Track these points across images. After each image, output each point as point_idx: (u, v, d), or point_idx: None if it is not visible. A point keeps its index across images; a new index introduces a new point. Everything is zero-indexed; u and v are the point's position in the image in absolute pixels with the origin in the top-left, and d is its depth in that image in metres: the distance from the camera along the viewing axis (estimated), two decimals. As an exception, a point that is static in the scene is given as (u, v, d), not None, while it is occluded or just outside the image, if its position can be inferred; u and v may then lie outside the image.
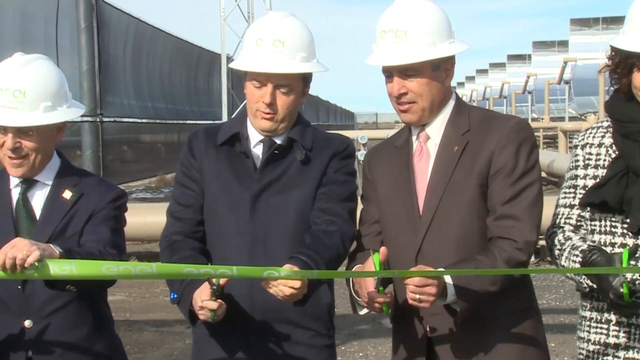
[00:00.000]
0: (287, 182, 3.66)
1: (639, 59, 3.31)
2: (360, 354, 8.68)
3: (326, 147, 3.73)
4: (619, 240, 3.38)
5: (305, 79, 3.69)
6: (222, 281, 3.13)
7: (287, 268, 3.16)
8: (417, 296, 3.10)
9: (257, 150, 3.68)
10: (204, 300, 3.21)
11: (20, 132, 3.50)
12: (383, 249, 3.24)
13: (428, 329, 3.51)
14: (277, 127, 3.64)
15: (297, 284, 3.15)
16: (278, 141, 3.66)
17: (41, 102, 3.52)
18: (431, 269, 3.12)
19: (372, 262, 3.23)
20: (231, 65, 3.72)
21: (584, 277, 3.35)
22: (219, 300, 3.20)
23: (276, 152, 3.66)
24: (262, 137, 3.68)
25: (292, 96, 3.62)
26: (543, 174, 22.25)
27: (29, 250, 3.05)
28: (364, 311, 3.54)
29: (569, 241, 3.49)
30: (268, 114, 3.58)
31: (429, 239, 3.50)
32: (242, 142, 3.68)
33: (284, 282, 3.13)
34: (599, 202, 3.41)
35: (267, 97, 3.55)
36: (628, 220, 3.37)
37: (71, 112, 3.67)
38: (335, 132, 4.29)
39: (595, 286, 3.27)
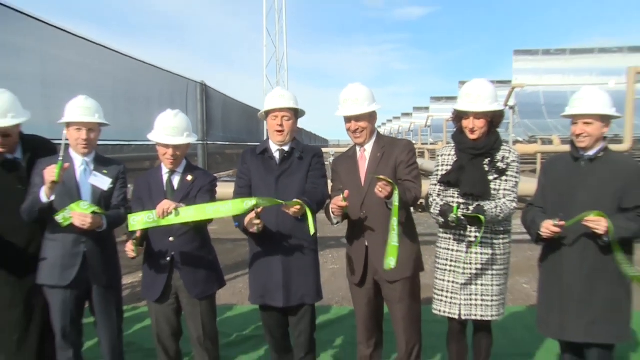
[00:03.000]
0: (292, 171, 3.68)
1: (463, 113, 3.50)
2: (330, 256, 8.64)
3: (310, 152, 3.77)
4: (456, 200, 3.50)
5: (296, 113, 3.74)
6: (259, 209, 3.35)
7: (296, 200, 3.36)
8: (381, 190, 3.28)
9: (276, 155, 3.71)
10: (253, 218, 3.37)
11: (176, 148, 3.58)
12: (347, 191, 3.39)
13: (367, 243, 3.56)
14: (284, 139, 3.68)
15: (299, 208, 3.38)
16: (286, 149, 3.70)
17: (184, 132, 3.59)
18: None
19: (341, 197, 3.36)
20: (263, 110, 3.82)
21: (440, 218, 3.51)
22: (259, 220, 3.37)
23: (285, 155, 3.69)
24: (277, 148, 3.71)
25: (291, 121, 3.68)
26: (418, 170, 22.40)
27: (170, 205, 3.29)
28: (336, 221, 3.60)
29: (435, 201, 3.58)
30: (280, 131, 3.64)
31: (366, 198, 3.58)
32: (269, 152, 3.73)
33: (293, 206, 3.35)
34: (447, 181, 3.56)
35: (279, 120, 3.63)
36: (459, 191, 3.49)
37: (193, 138, 3.68)
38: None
39: (443, 220, 3.42)
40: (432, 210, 3.63)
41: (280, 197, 3.50)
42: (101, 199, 3.67)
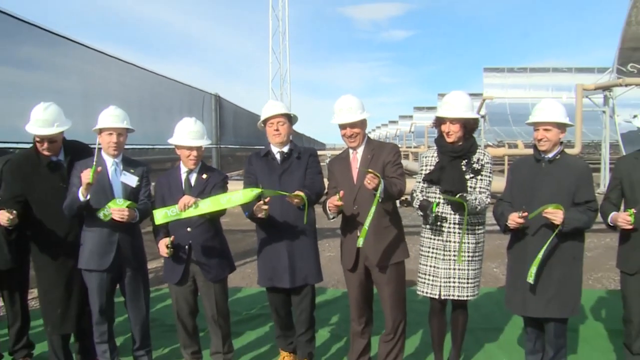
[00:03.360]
0: (292, 169, 3.65)
1: (442, 119, 3.50)
2: (327, 244, 8.58)
3: (306, 152, 3.75)
4: (437, 197, 3.47)
5: (289, 118, 3.71)
6: (267, 199, 3.35)
7: (298, 192, 3.37)
8: (369, 182, 3.19)
9: (277, 156, 3.68)
10: (261, 204, 3.38)
11: (198, 149, 3.59)
12: (342, 192, 3.35)
13: (358, 233, 3.47)
14: (282, 140, 3.65)
15: (300, 199, 3.38)
16: (285, 151, 3.67)
17: (204, 135, 3.60)
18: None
19: (337, 196, 3.33)
20: (259, 122, 3.81)
21: (419, 211, 3.43)
22: (267, 205, 3.36)
23: (285, 156, 3.66)
24: (278, 150, 3.68)
25: (286, 125, 3.65)
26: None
27: (190, 199, 3.29)
28: (332, 217, 3.53)
29: (417, 197, 3.52)
30: (276, 134, 3.62)
31: (358, 195, 3.50)
32: (271, 154, 3.69)
33: (296, 197, 3.37)
34: (429, 180, 3.51)
35: (275, 125, 3.61)
36: (440, 188, 3.48)
37: (208, 141, 3.67)
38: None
39: (422, 213, 3.37)
40: (415, 205, 3.61)
41: (283, 191, 3.51)
42: (130, 194, 3.68)
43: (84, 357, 4.06)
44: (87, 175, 3.34)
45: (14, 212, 3.40)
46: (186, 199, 3.42)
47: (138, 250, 3.79)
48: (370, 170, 3.25)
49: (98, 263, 3.61)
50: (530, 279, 3.33)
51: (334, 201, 3.40)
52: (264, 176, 3.72)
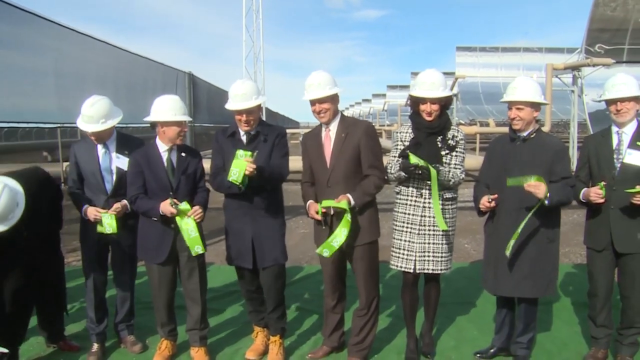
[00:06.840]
0: (258, 150, 3.52)
1: (417, 98, 3.43)
2: (300, 221, 8.58)
3: (273, 132, 3.66)
4: (408, 152, 3.44)
5: (259, 105, 3.60)
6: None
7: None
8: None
9: (243, 138, 3.60)
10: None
11: (184, 124, 3.64)
12: (324, 203, 3.44)
13: (332, 212, 3.48)
14: (251, 128, 3.56)
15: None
16: (252, 132, 3.59)
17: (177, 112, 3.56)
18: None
19: (317, 206, 3.44)
20: (226, 106, 3.61)
21: (402, 173, 3.45)
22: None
23: (252, 137, 3.60)
24: (244, 132, 3.61)
25: (254, 114, 3.54)
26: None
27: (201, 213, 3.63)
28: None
29: (394, 167, 3.50)
30: (246, 125, 3.53)
31: (331, 176, 3.48)
32: (237, 135, 3.63)
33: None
34: (405, 155, 3.42)
35: (244, 117, 3.51)
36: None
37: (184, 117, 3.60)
38: (288, 129, 4.15)
39: (405, 173, 3.41)
40: (392, 171, 3.53)
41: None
42: (123, 177, 3.73)
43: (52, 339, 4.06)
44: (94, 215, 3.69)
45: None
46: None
47: (130, 227, 3.81)
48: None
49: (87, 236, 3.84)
50: (507, 252, 3.34)
51: (313, 213, 3.51)
52: (230, 155, 3.58)
